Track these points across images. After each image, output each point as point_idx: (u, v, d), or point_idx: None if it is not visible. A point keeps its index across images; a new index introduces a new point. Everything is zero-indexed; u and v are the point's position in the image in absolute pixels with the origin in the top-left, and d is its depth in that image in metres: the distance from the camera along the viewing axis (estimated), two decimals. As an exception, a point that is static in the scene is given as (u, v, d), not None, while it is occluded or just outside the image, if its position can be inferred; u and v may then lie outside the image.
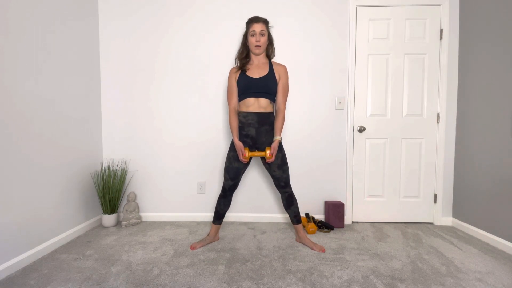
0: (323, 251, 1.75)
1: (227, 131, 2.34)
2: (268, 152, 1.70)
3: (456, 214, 2.26)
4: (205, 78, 2.32)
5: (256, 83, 1.76)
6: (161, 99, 2.33)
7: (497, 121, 1.87)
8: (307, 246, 1.83)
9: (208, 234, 1.90)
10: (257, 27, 1.75)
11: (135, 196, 2.31)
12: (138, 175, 2.38)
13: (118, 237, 1.98)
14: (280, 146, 1.81)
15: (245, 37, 1.83)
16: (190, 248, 1.79)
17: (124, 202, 2.37)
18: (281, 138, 1.85)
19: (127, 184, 2.37)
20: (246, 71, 1.79)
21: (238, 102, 1.82)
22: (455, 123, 2.26)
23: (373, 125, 2.31)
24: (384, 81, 2.29)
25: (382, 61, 2.27)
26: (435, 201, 2.31)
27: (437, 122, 2.28)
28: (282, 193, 1.87)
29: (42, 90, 1.71)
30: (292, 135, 2.32)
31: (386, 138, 2.31)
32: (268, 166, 1.83)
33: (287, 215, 2.34)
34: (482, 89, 1.99)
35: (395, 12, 2.25)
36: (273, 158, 1.74)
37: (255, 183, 2.36)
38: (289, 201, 1.86)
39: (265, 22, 1.79)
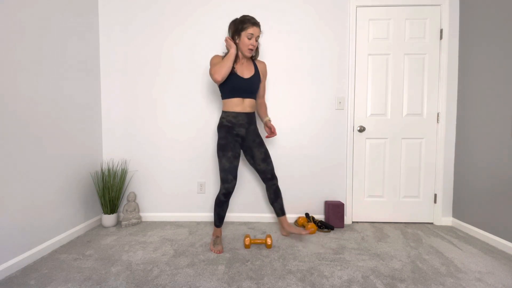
0: (312, 232, 1.98)
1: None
2: (268, 240, 1.79)
3: (456, 214, 2.25)
4: (204, 80, 2.32)
5: (246, 84, 1.78)
6: (161, 100, 2.33)
7: (497, 121, 1.87)
8: (295, 233, 1.93)
9: (217, 236, 1.83)
10: (256, 31, 1.74)
11: (135, 196, 2.31)
12: (138, 175, 2.38)
13: (118, 237, 1.98)
14: (262, 142, 1.90)
15: (236, 33, 1.75)
16: (217, 252, 1.73)
17: (124, 202, 2.37)
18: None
19: (127, 184, 2.37)
20: (234, 69, 1.77)
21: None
22: (455, 123, 2.26)
23: (373, 125, 2.30)
24: (384, 81, 2.28)
25: (382, 61, 2.27)
26: (435, 201, 2.31)
27: (437, 122, 2.28)
28: (269, 186, 1.91)
29: (42, 90, 1.70)
30: (292, 135, 2.32)
31: (386, 138, 2.31)
32: (252, 161, 1.90)
33: (288, 215, 2.35)
34: (482, 89, 1.99)
35: (395, 12, 2.25)
36: (275, 134, 1.84)
37: (255, 183, 2.36)
38: (276, 194, 1.92)
39: (260, 26, 1.77)
